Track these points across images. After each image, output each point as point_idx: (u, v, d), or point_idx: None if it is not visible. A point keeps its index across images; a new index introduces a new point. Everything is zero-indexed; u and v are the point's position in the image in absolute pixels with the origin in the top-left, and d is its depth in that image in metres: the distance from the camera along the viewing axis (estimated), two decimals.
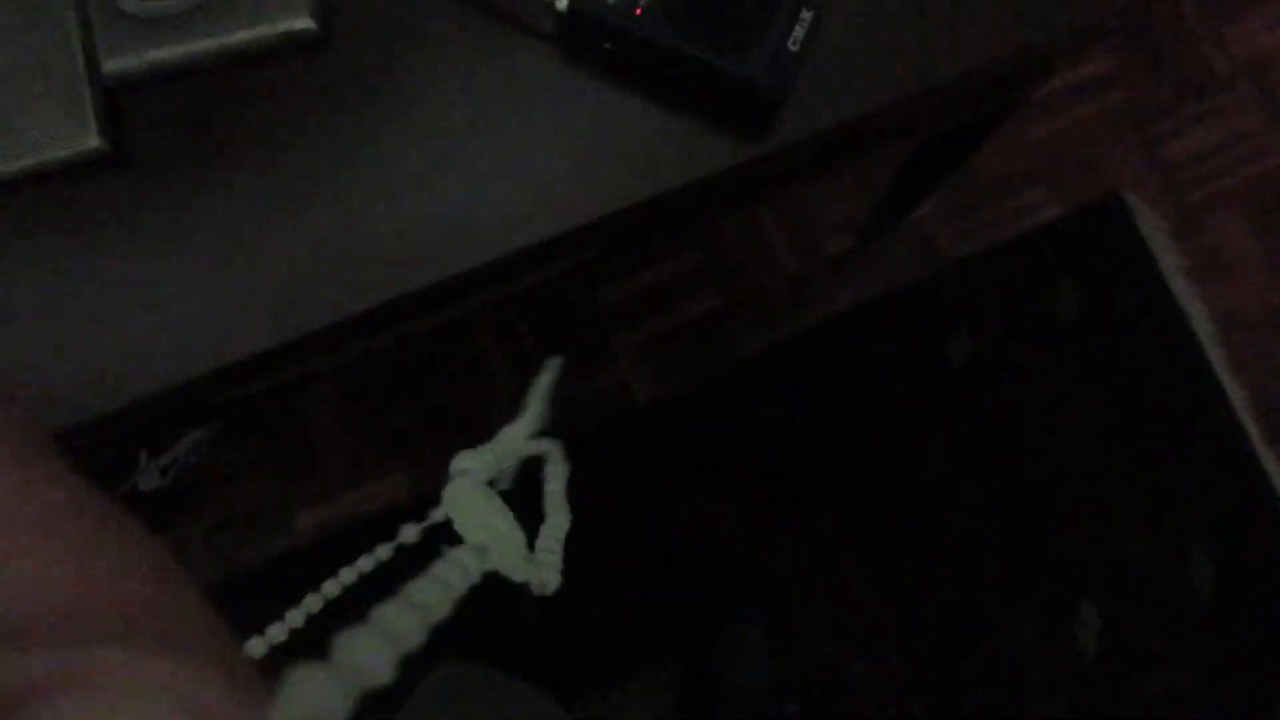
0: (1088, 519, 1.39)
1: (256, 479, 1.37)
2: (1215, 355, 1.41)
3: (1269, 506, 1.38)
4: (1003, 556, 1.37)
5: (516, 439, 0.49)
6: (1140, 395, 1.41)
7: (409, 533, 0.39)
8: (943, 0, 0.50)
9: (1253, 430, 1.40)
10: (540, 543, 0.45)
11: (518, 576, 0.43)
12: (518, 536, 0.43)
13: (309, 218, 0.49)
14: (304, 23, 0.49)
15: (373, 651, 0.21)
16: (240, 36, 0.49)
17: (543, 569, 0.44)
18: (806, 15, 0.46)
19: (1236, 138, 1.46)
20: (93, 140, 0.48)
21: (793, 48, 0.46)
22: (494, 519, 0.43)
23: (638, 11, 0.46)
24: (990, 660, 1.35)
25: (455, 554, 0.40)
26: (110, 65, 0.48)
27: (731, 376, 1.41)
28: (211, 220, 0.49)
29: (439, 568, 0.36)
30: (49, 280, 0.48)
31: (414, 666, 0.26)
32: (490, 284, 0.54)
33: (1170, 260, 1.44)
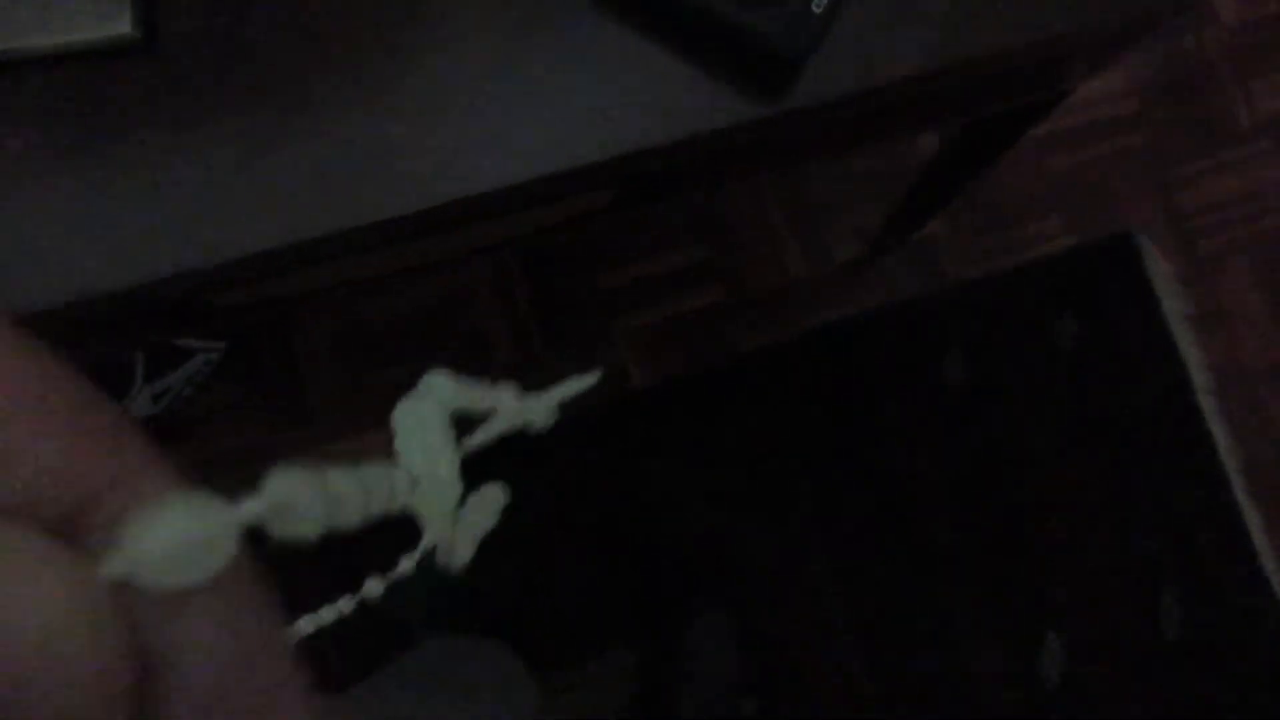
0: (1063, 549, 1.39)
1: (247, 420, 1.37)
2: (1207, 404, 1.42)
3: (1245, 559, 1.39)
4: (975, 577, 1.38)
5: (502, 398, 0.45)
6: (1129, 434, 1.42)
7: (406, 565, 0.37)
8: None
9: (1236, 482, 1.40)
10: (461, 518, 0.43)
11: (433, 534, 0.39)
12: (454, 490, 0.40)
13: (333, 123, 0.50)
14: None
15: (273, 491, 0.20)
16: None
17: (458, 539, 0.41)
18: None
19: (1252, 192, 1.47)
20: (125, 26, 0.48)
21: (816, 9, 0.47)
22: (439, 456, 0.39)
23: None
24: (953, 678, 1.35)
25: (388, 470, 0.37)
26: None
27: (726, 371, 1.42)
28: (236, 116, 0.50)
29: (368, 472, 0.34)
30: (69, 157, 0.49)
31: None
32: (500, 212, 0.55)
33: (1173, 305, 1.45)
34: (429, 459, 0.38)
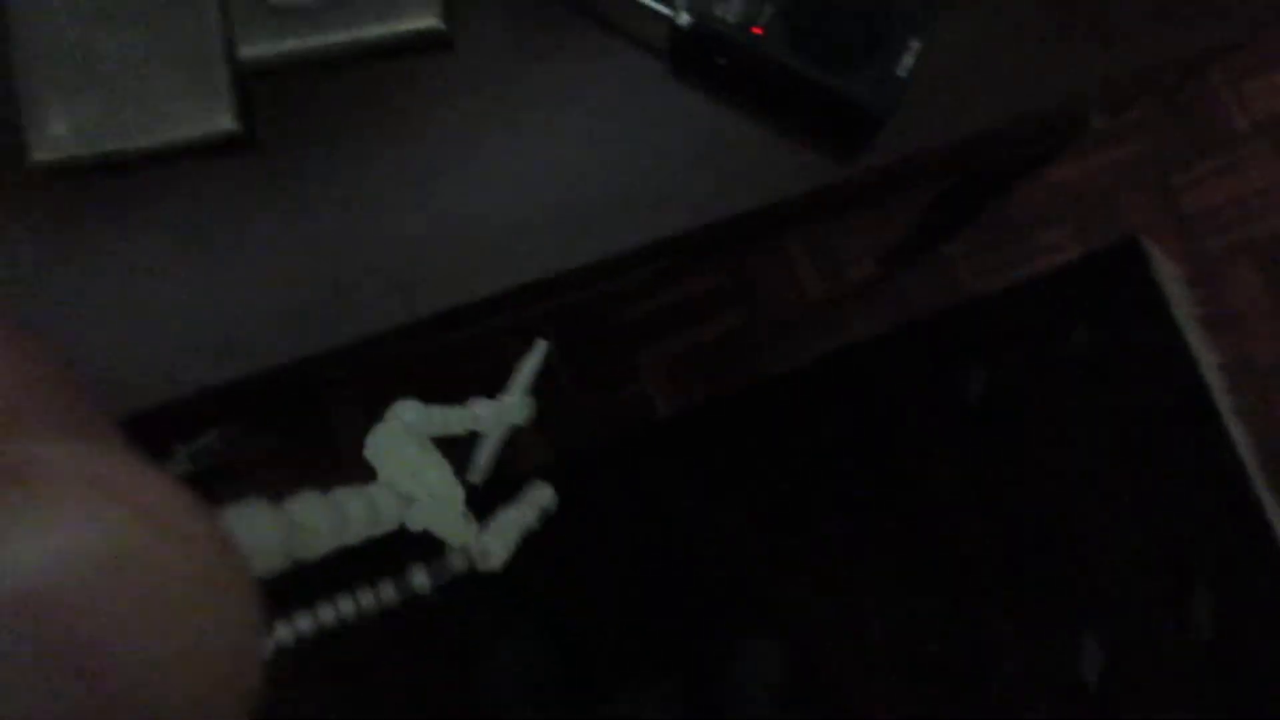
0: (1092, 555, 1.41)
1: (279, 464, 1.38)
2: (1223, 402, 1.45)
3: (1270, 551, 1.41)
4: (1009, 587, 1.40)
5: (476, 413, 0.44)
6: (1149, 437, 1.44)
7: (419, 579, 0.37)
8: (1039, 36, 0.53)
9: (1256, 476, 1.43)
10: (499, 517, 0.41)
11: (452, 537, 0.39)
12: (452, 491, 0.39)
13: (433, 205, 0.51)
14: (432, 22, 0.51)
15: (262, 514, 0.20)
16: (371, 31, 0.51)
17: (482, 537, 0.39)
18: (915, 44, 0.49)
19: (1253, 192, 1.50)
20: (227, 122, 0.50)
21: (900, 73, 0.49)
22: (425, 469, 0.39)
23: (757, 31, 0.49)
24: (994, 687, 1.37)
25: (380, 492, 0.37)
26: (246, 52, 0.50)
27: (751, 396, 1.43)
28: (333, 206, 0.51)
29: (363, 493, 0.34)
30: (180, 250, 0.50)
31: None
32: (578, 286, 0.56)
33: (1184, 307, 1.47)
34: (418, 476, 0.37)
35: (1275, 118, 1.52)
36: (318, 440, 1.39)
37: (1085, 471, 1.44)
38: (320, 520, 0.28)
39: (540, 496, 0.42)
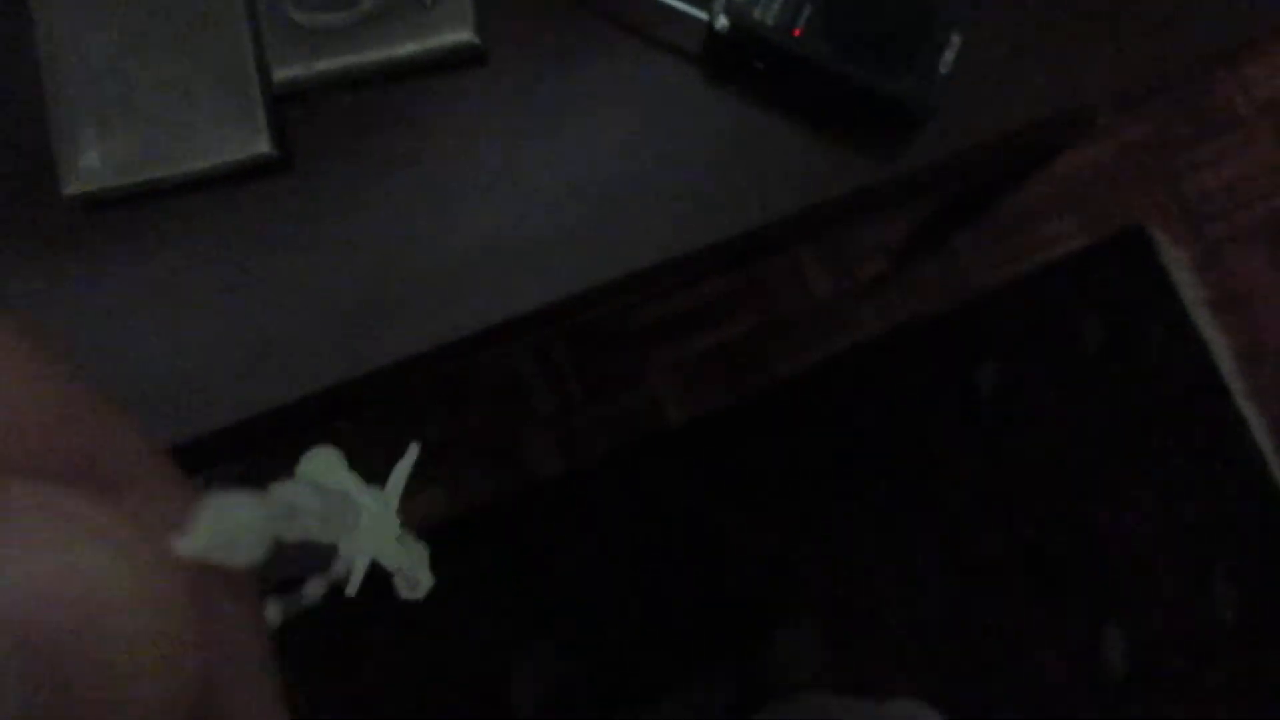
0: (1112, 544, 1.41)
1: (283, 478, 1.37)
2: (1236, 386, 1.45)
3: None
4: (1029, 580, 1.40)
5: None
6: (1164, 424, 1.44)
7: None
8: (1077, 30, 0.53)
9: (1273, 460, 1.43)
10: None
11: (389, 560, 0.37)
12: (390, 518, 0.37)
13: (470, 223, 0.51)
14: (466, 36, 0.51)
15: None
16: (405, 49, 0.50)
17: (414, 560, 0.38)
18: (956, 40, 0.48)
19: (1255, 174, 1.51)
20: (264, 146, 0.49)
21: (943, 70, 0.48)
22: (362, 494, 0.36)
23: (796, 33, 0.48)
24: (1021, 678, 1.37)
25: (346, 498, 0.34)
26: (280, 74, 0.50)
27: (763, 398, 1.43)
28: (369, 228, 0.51)
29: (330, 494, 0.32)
30: (219, 275, 0.50)
31: None
32: (616, 295, 0.56)
33: (1192, 293, 1.47)
34: (368, 494, 0.36)
35: (1276, 99, 1.53)
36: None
37: (1101, 461, 1.44)
38: (314, 509, 0.27)
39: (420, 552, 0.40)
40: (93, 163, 0.49)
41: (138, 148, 0.49)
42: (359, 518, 0.34)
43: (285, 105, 0.51)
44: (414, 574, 0.37)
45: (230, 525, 0.19)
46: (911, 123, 0.50)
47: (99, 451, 0.16)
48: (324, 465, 0.37)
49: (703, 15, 0.50)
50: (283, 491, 0.22)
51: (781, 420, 1.43)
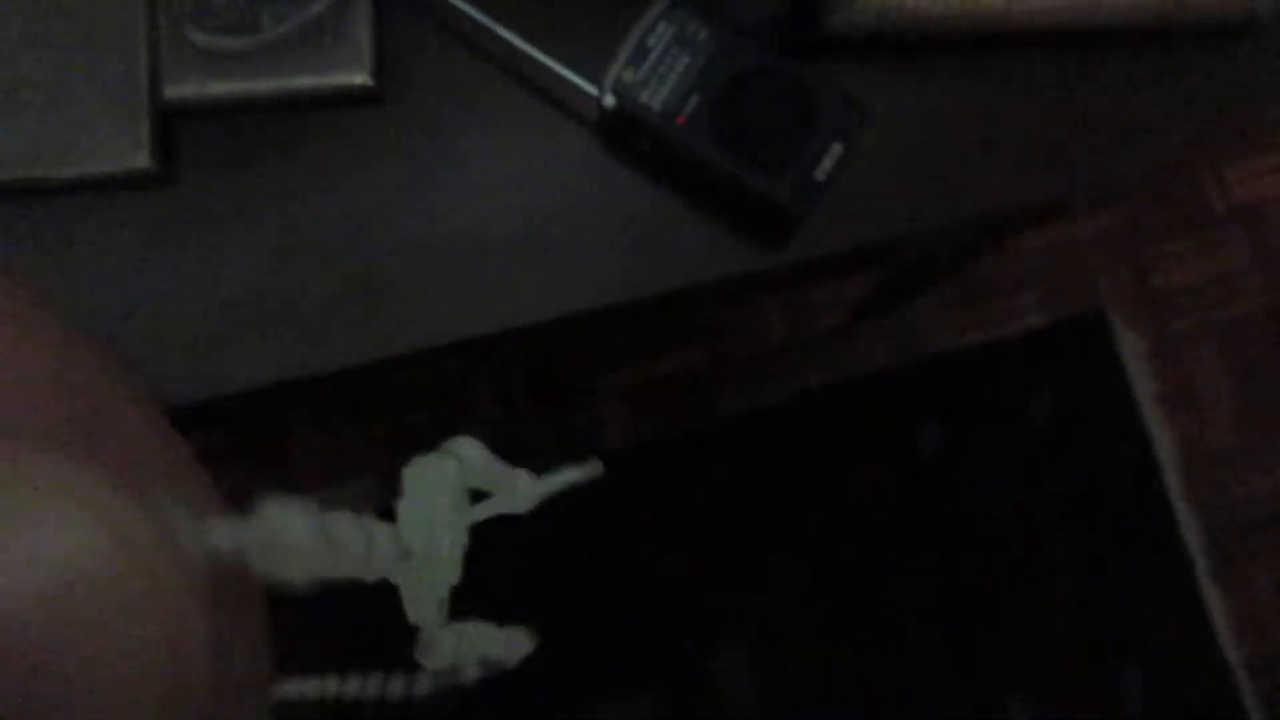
0: (1028, 621, 1.42)
1: (226, 464, 1.37)
2: (1173, 482, 1.45)
3: (1205, 637, 1.42)
4: (942, 642, 1.40)
5: (524, 483, 0.41)
6: (1098, 509, 1.45)
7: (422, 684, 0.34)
8: (966, 149, 0.53)
9: (1199, 562, 1.43)
10: (470, 626, 0.38)
11: (414, 611, 0.36)
12: (450, 570, 0.36)
13: (337, 260, 0.51)
14: (361, 78, 0.51)
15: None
16: (299, 83, 0.51)
17: (439, 630, 0.35)
18: (836, 148, 0.49)
19: (1222, 276, 1.51)
20: (144, 160, 0.49)
21: (819, 177, 0.49)
22: (444, 534, 0.35)
23: (681, 121, 0.49)
24: None
25: (394, 532, 0.34)
26: (171, 91, 0.50)
27: (705, 433, 1.43)
28: (244, 250, 0.51)
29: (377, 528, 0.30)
30: (85, 281, 0.50)
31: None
32: (490, 350, 0.56)
33: (1144, 384, 1.48)
34: (434, 534, 0.34)
35: (1252, 203, 1.53)
36: (268, 442, 1.39)
37: (1030, 536, 1.44)
38: (353, 539, 0.26)
39: (520, 640, 0.39)
40: None
41: (21, 146, 0.50)
42: (399, 558, 0.32)
43: (180, 122, 0.52)
44: (433, 638, 0.34)
45: (284, 536, 0.18)
46: (788, 223, 0.51)
47: (102, 419, 0.16)
48: (435, 473, 0.34)
49: (593, 90, 0.50)
50: (337, 523, 0.21)
51: (720, 456, 1.43)
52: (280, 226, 0.52)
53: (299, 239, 0.52)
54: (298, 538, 0.18)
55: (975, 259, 1.09)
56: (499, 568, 1.36)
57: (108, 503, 0.14)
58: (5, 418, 0.14)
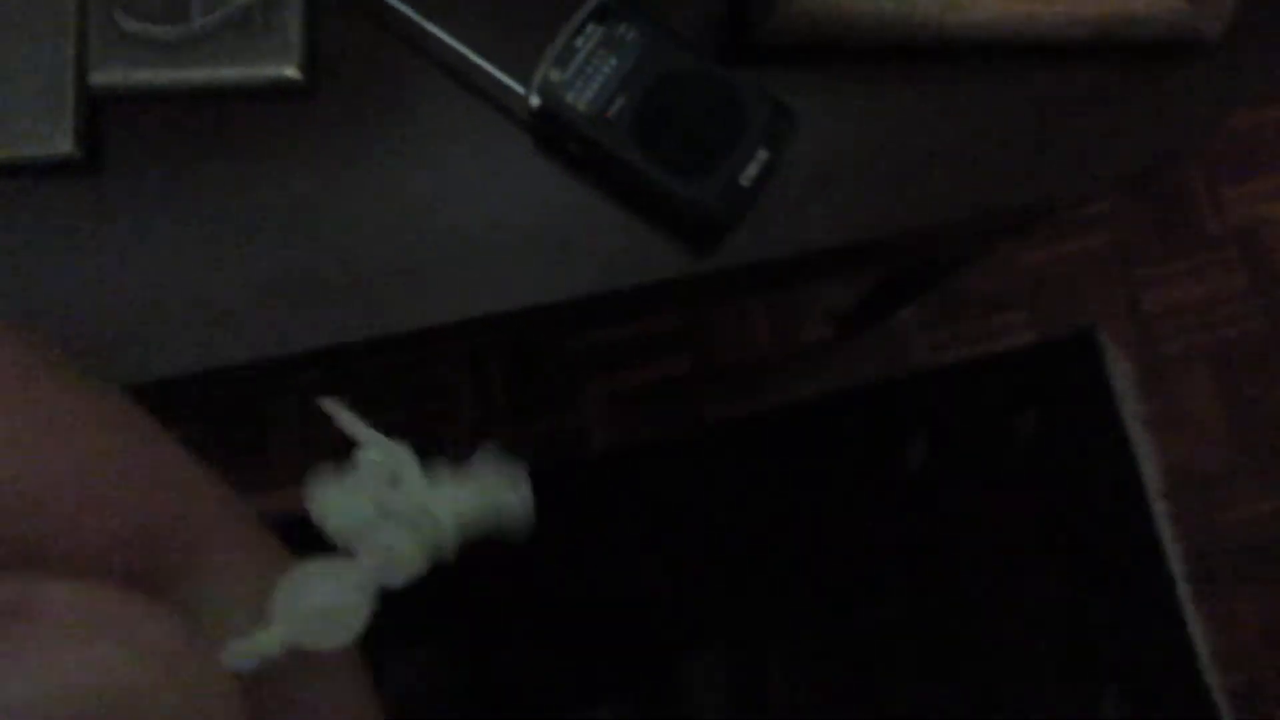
0: (1008, 639, 1.40)
1: (204, 457, 1.37)
2: (1159, 505, 1.44)
3: (1187, 662, 1.40)
4: (921, 660, 1.39)
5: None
6: (1081, 531, 1.43)
7: None
8: (898, 160, 0.52)
9: (1182, 586, 1.41)
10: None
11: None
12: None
13: (277, 247, 0.51)
14: (290, 71, 0.51)
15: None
16: (227, 74, 0.50)
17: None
18: (762, 155, 0.48)
19: (1217, 299, 1.49)
20: (66, 145, 0.49)
21: (744, 183, 0.48)
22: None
23: (607, 115, 0.48)
24: None
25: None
26: (97, 77, 0.50)
27: (688, 441, 1.43)
28: (170, 240, 0.51)
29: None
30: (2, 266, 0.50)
31: None
32: (426, 344, 0.56)
33: (1132, 406, 1.46)
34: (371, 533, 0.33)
35: (1248, 226, 1.51)
36: (248, 437, 1.39)
37: (1015, 555, 1.43)
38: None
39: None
40: None
41: None
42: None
43: (109, 111, 0.51)
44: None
45: (318, 604, 0.16)
46: (713, 229, 0.50)
47: (158, 519, 0.15)
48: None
49: (521, 90, 0.49)
50: (378, 540, 0.19)
51: (703, 466, 1.43)
52: (207, 217, 0.51)
53: (225, 230, 0.51)
54: (336, 602, 0.17)
55: (955, 273, 1.08)
56: (472, 570, 1.35)
57: (156, 636, 0.13)
58: (48, 534, 0.14)
